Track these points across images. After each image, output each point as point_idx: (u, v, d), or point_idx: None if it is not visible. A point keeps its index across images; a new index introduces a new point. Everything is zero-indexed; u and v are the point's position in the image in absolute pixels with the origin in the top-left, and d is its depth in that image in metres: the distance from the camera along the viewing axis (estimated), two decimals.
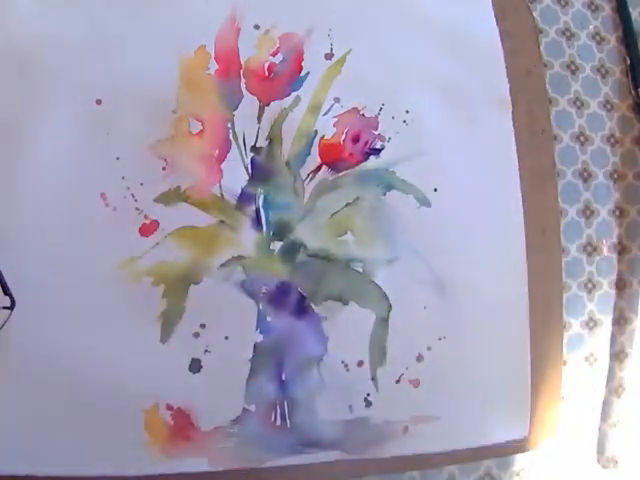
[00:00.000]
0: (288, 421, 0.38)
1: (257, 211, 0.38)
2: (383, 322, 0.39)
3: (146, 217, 0.37)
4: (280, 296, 0.38)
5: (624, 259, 0.44)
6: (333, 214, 0.39)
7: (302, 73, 0.40)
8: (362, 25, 0.41)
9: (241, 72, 0.39)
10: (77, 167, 0.37)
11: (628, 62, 0.46)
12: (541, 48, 0.44)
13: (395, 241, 0.39)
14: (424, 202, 0.40)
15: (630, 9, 0.46)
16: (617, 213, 0.44)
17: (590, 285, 0.43)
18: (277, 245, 0.38)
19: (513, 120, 0.43)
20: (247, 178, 0.39)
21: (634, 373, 0.44)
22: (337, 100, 0.40)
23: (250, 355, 0.38)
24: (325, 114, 0.40)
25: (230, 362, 0.37)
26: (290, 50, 0.40)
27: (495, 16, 0.43)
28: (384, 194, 0.40)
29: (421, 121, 0.41)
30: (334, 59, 0.41)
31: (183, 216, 0.37)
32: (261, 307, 0.38)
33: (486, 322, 0.40)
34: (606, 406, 0.43)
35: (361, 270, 0.39)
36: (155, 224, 0.37)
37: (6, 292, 0.35)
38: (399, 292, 0.39)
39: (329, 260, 0.39)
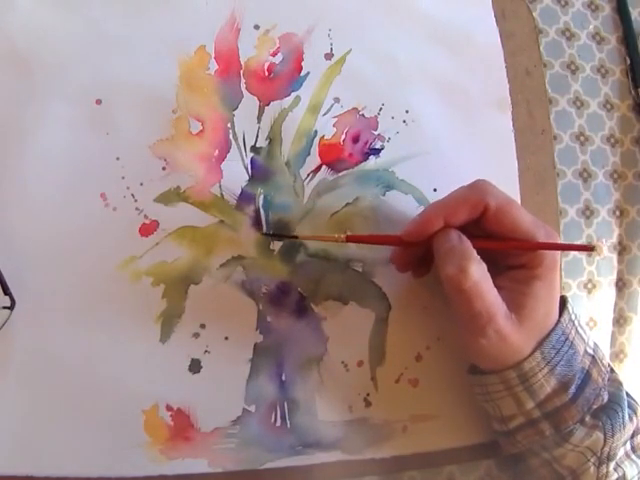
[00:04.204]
0: (288, 422, 0.38)
1: (257, 211, 0.38)
2: (383, 322, 0.39)
3: (146, 217, 0.37)
4: (280, 296, 0.38)
5: (624, 259, 0.44)
6: (333, 214, 0.39)
7: (302, 73, 0.40)
8: (362, 25, 0.41)
9: (241, 72, 0.39)
10: (77, 167, 0.37)
11: (628, 62, 0.46)
12: (541, 48, 0.44)
13: None
14: (423, 202, 0.40)
15: (630, 9, 0.46)
16: (617, 213, 0.44)
17: (590, 285, 0.43)
18: (277, 245, 0.38)
19: (513, 120, 0.43)
20: (247, 178, 0.39)
21: (633, 373, 0.44)
22: (337, 100, 0.40)
23: (250, 355, 0.38)
24: (325, 114, 0.40)
25: (230, 362, 0.37)
26: (290, 50, 0.40)
27: (495, 16, 0.44)
28: (384, 194, 0.40)
29: (421, 121, 0.41)
30: (334, 59, 0.41)
31: (183, 216, 0.37)
32: (261, 307, 0.38)
33: None
34: None
35: (361, 270, 0.39)
36: (155, 224, 0.37)
37: (6, 292, 0.34)
38: (399, 292, 0.39)
39: (329, 260, 0.39)
